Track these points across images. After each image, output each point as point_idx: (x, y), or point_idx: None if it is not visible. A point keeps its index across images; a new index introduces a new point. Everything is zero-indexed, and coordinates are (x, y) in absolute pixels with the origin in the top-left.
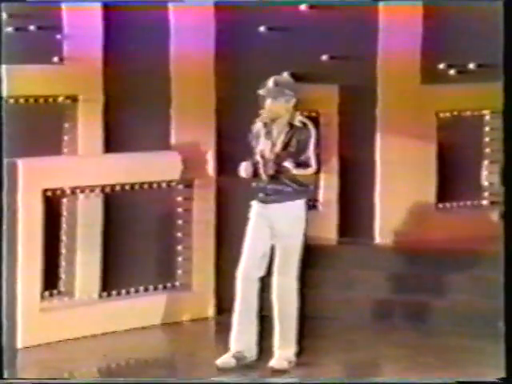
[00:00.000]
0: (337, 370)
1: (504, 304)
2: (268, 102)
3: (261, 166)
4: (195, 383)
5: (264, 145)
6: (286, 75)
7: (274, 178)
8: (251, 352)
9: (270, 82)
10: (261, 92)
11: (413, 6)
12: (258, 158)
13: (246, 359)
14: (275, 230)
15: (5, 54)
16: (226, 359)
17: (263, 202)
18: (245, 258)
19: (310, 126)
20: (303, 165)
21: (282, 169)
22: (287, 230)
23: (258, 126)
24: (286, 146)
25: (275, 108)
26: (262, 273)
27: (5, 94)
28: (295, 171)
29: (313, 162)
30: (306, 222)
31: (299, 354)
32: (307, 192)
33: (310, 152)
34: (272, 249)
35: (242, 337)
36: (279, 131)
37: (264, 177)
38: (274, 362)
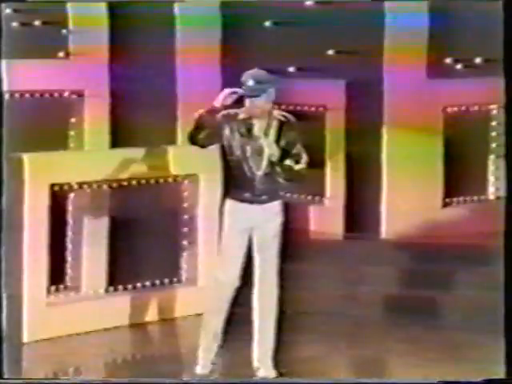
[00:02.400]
0: (343, 365)
1: (504, 300)
2: (251, 100)
3: (246, 165)
4: (196, 383)
5: (260, 144)
6: (259, 70)
7: (266, 177)
8: (214, 356)
9: (250, 81)
10: (242, 91)
11: (419, 2)
12: (248, 155)
13: (215, 365)
14: (256, 229)
15: (10, 49)
16: (204, 369)
17: (249, 202)
18: (222, 263)
19: (292, 118)
20: (297, 159)
21: (284, 168)
22: (270, 229)
23: (232, 126)
24: (277, 141)
25: (260, 105)
26: (238, 277)
27: (11, 88)
28: (297, 167)
29: (303, 154)
30: (282, 221)
31: (305, 348)
32: (292, 188)
33: (299, 145)
34: (250, 251)
35: (211, 344)
36: (266, 128)
37: (256, 177)
38: (262, 373)
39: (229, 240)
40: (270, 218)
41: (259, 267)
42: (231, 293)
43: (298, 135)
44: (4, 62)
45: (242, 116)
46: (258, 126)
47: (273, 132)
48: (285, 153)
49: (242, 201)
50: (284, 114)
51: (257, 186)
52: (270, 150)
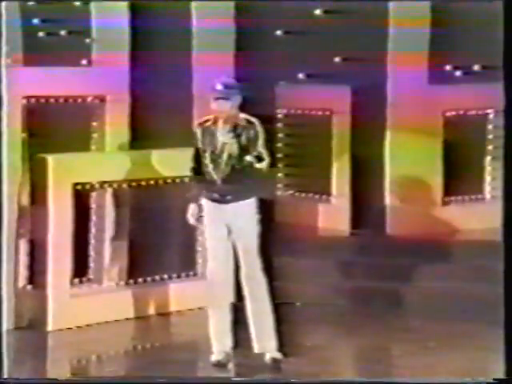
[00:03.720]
0: (347, 354)
1: (504, 293)
2: (218, 103)
3: (211, 169)
4: (197, 382)
5: (220, 145)
6: (227, 77)
7: (227, 178)
8: (230, 348)
9: (219, 85)
10: (210, 95)
11: (421, 12)
12: (207, 161)
13: (230, 356)
14: (232, 228)
15: (38, 57)
16: (219, 356)
17: (218, 201)
18: (210, 259)
19: (255, 121)
20: (259, 159)
21: (243, 164)
22: (245, 227)
23: (201, 131)
24: (238, 142)
25: (226, 109)
26: (230, 271)
27: (37, 94)
28: (258, 165)
29: (265, 155)
30: (259, 217)
31: (312, 337)
32: (260, 189)
33: (260, 147)
34: (233, 245)
35: (223, 335)
36: (227, 132)
37: (217, 178)
38: (269, 355)
39: (209, 236)
40: (241, 216)
41: (243, 262)
42: (224, 285)
43: (260, 137)
44: (31, 69)
45: (209, 123)
46: (220, 129)
47: (235, 133)
48: (246, 153)
49: (213, 200)
50: (247, 117)
51: (220, 187)
52: (230, 145)
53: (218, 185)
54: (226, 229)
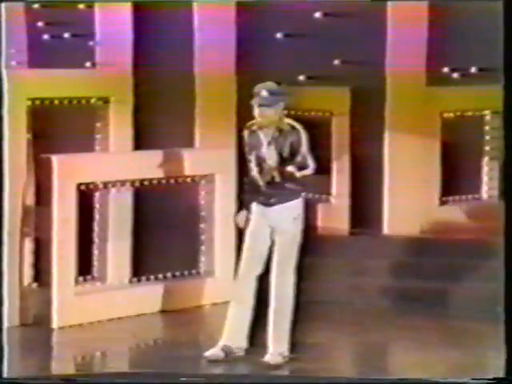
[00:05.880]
0: (349, 351)
1: (504, 291)
2: (261, 110)
3: (256, 172)
4: (198, 379)
5: (263, 152)
6: (272, 83)
7: (271, 182)
8: (241, 347)
9: (263, 92)
10: (254, 101)
11: (419, 14)
12: (252, 165)
13: (233, 353)
14: (276, 229)
15: (42, 59)
16: (214, 351)
17: (264, 204)
18: (244, 257)
19: (299, 127)
20: (302, 166)
21: (285, 174)
22: (288, 228)
23: (247, 134)
24: (280, 150)
25: (269, 115)
26: (259, 271)
27: (42, 95)
28: (298, 174)
29: (309, 161)
30: (303, 218)
31: (313, 335)
32: (304, 191)
33: (304, 152)
34: (271, 246)
35: (233, 332)
36: (270, 137)
37: (261, 182)
38: (268, 357)
39: (250, 236)
40: (284, 218)
41: (277, 260)
42: (253, 286)
43: (304, 143)
44: (36, 71)
45: (254, 127)
46: (263, 135)
47: (276, 140)
48: (288, 160)
49: (260, 203)
50: (291, 123)
51: (265, 191)
52: (270, 157)
53: (262, 188)
54: (269, 230)
